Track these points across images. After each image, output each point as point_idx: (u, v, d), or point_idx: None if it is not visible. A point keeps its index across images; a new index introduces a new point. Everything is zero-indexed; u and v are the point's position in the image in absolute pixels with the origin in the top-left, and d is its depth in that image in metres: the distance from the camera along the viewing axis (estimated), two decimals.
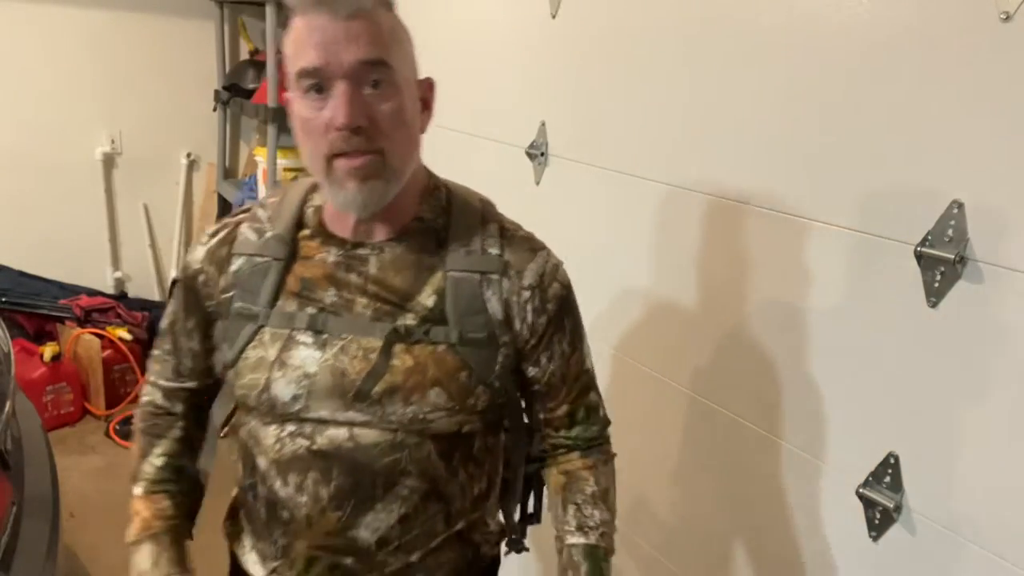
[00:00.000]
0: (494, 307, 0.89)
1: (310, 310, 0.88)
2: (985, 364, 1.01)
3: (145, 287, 3.59)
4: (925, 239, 1.05)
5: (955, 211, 1.02)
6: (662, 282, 1.55)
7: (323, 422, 0.87)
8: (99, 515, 2.49)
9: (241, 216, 0.95)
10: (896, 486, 1.13)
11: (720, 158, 1.38)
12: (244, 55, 3.48)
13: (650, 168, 1.54)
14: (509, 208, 1.02)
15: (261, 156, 3.05)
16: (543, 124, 1.82)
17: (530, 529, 1.15)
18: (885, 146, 1.11)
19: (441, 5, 2.10)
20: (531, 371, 0.95)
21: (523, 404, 1.02)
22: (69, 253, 3.35)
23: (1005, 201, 0.97)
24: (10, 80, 3.10)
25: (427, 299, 0.88)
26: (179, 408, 1.03)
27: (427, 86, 0.89)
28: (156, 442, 1.02)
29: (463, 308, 0.88)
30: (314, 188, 0.94)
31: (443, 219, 0.92)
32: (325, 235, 0.91)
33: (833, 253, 1.20)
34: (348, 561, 0.90)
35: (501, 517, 1.09)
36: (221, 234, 0.94)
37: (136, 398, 3.10)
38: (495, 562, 1.07)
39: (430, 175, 0.95)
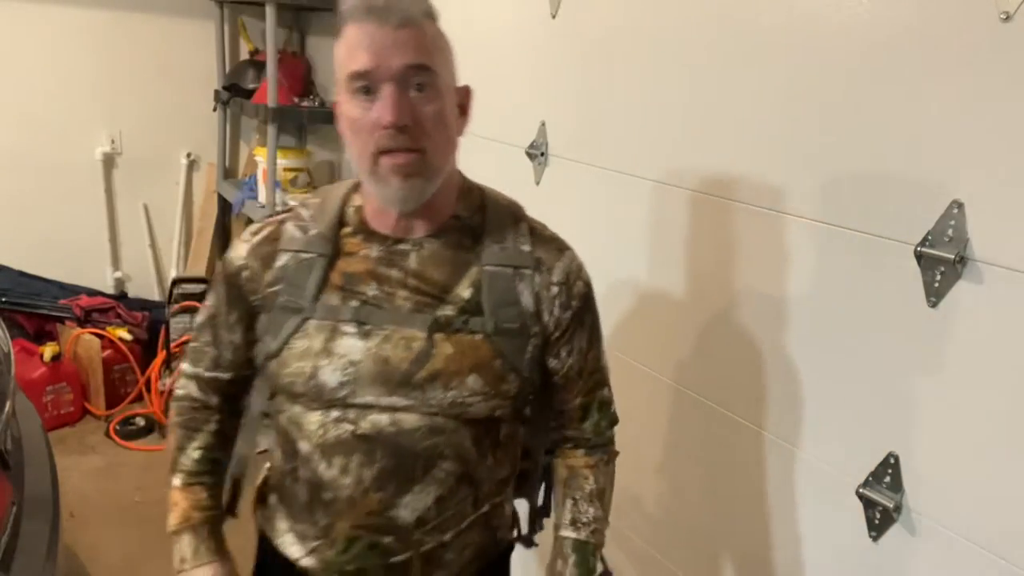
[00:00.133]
0: (526, 300, 0.95)
1: (353, 303, 0.93)
2: (985, 364, 1.01)
3: (145, 287, 3.59)
4: (925, 239, 1.05)
5: (955, 211, 1.02)
6: (662, 282, 1.55)
7: (367, 407, 0.92)
8: (99, 515, 2.49)
9: (284, 215, 1.00)
10: (896, 486, 1.13)
11: (720, 158, 1.38)
12: (244, 55, 3.48)
13: (649, 168, 1.54)
14: None
15: (261, 156, 3.05)
16: (543, 124, 1.82)
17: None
18: (885, 146, 1.11)
19: (441, 5, 2.10)
20: (552, 363, 1.01)
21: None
22: (69, 253, 3.35)
23: (1005, 201, 0.97)
24: (10, 80, 3.10)
25: (464, 291, 0.94)
26: (215, 400, 1.07)
27: (465, 92, 0.96)
28: (194, 436, 1.06)
29: (498, 300, 0.94)
30: (354, 189, 0.99)
31: (478, 217, 0.98)
32: (367, 232, 0.96)
33: (833, 253, 1.20)
34: (387, 540, 0.95)
35: (514, 506, 1.14)
36: (265, 232, 0.99)
37: (136, 398, 3.13)
38: (509, 547, 1.12)
39: (464, 177, 1.01)
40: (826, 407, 1.24)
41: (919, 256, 1.06)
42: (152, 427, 3.03)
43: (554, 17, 1.75)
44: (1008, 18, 0.95)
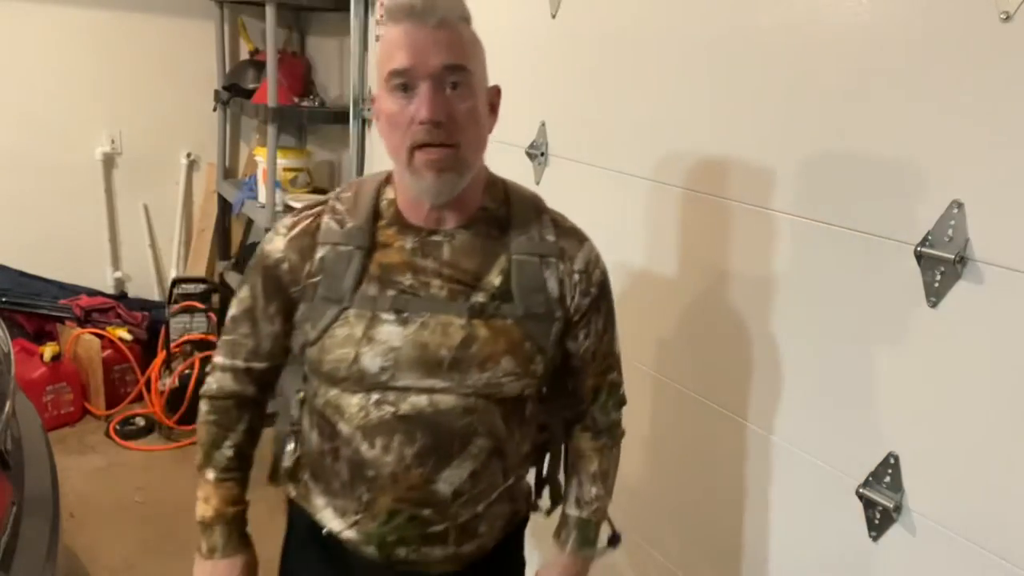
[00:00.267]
0: (552, 286, 1.02)
1: (391, 292, 0.98)
2: (985, 364, 1.01)
3: (145, 287, 3.59)
4: (925, 239, 1.05)
5: (955, 211, 1.02)
6: (662, 283, 1.55)
7: (406, 390, 0.98)
8: (99, 515, 2.49)
9: (318, 209, 1.04)
10: (896, 486, 1.13)
11: (720, 158, 1.38)
12: (244, 55, 3.48)
13: (649, 168, 1.54)
14: None
15: (261, 156, 3.05)
16: (543, 124, 1.82)
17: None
18: (885, 146, 1.11)
19: None
20: (570, 345, 1.07)
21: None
22: (69, 253, 3.35)
23: (1005, 201, 0.97)
24: (10, 80, 3.10)
25: (495, 279, 1.00)
26: (251, 390, 1.11)
27: (495, 92, 1.01)
28: (227, 435, 1.11)
29: (527, 287, 1.00)
30: (385, 182, 1.04)
31: (504, 209, 1.03)
32: (402, 224, 1.01)
33: (833, 253, 1.20)
34: (426, 512, 1.01)
35: (528, 482, 1.21)
36: (301, 225, 1.03)
37: (136, 398, 3.13)
38: (525, 520, 1.20)
39: (489, 170, 1.06)
40: (826, 407, 1.23)
41: (919, 256, 1.06)
42: (152, 427, 3.03)
43: (554, 17, 1.76)
44: (1008, 18, 0.95)
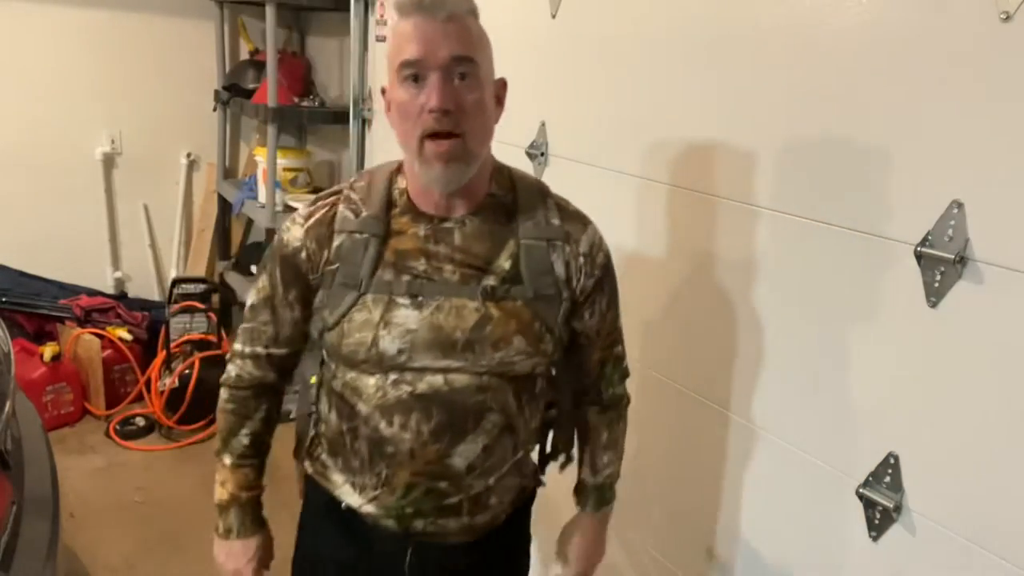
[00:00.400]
0: (559, 268, 1.06)
1: (406, 277, 1.02)
2: (985, 364, 1.01)
3: (145, 287, 3.59)
4: (925, 239, 1.05)
5: (955, 211, 1.02)
6: (662, 282, 1.55)
7: (422, 370, 1.02)
8: (99, 515, 2.49)
9: (333, 198, 1.08)
10: (896, 486, 1.13)
11: (720, 158, 1.38)
12: (244, 55, 3.48)
13: (649, 168, 1.54)
14: None
15: (261, 156, 3.05)
16: (543, 124, 1.82)
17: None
18: (885, 146, 1.11)
19: None
20: (577, 324, 1.12)
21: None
22: (69, 253, 3.35)
23: (1005, 201, 0.97)
24: (10, 80, 3.10)
25: (504, 263, 1.04)
26: (271, 376, 1.15)
27: (501, 84, 1.04)
28: (245, 422, 1.15)
29: (535, 269, 1.05)
30: (397, 172, 1.08)
31: (510, 196, 1.07)
32: (414, 212, 1.05)
33: (833, 253, 1.20)
34: (442, 485, 1.06)
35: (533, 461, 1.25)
36: (318, 215, 1.07)
37: (136, 398, 3.13)
38: (532, 496, 1.25)
39: (495, 159, 1.09)
40: (826, 407, 1.24)
41: (919, 256, 1.06)
42: (152, 427, 3.03)
43: (554, 17, 1.76)
44: (1008, 18, 0.95)
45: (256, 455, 1.17)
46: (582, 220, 1.11)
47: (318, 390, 1.15)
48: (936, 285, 1.05)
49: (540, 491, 1.26)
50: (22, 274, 3.25)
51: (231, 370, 1.15)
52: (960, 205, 1.01)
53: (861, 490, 1.17)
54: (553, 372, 1.18)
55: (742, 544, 1.43)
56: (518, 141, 1.87)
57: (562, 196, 1.12)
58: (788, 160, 1.26)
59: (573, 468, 1.27)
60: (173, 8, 3.33)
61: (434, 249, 1.03)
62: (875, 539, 1.16)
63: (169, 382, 2.95)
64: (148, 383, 3.06)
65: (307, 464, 1.19)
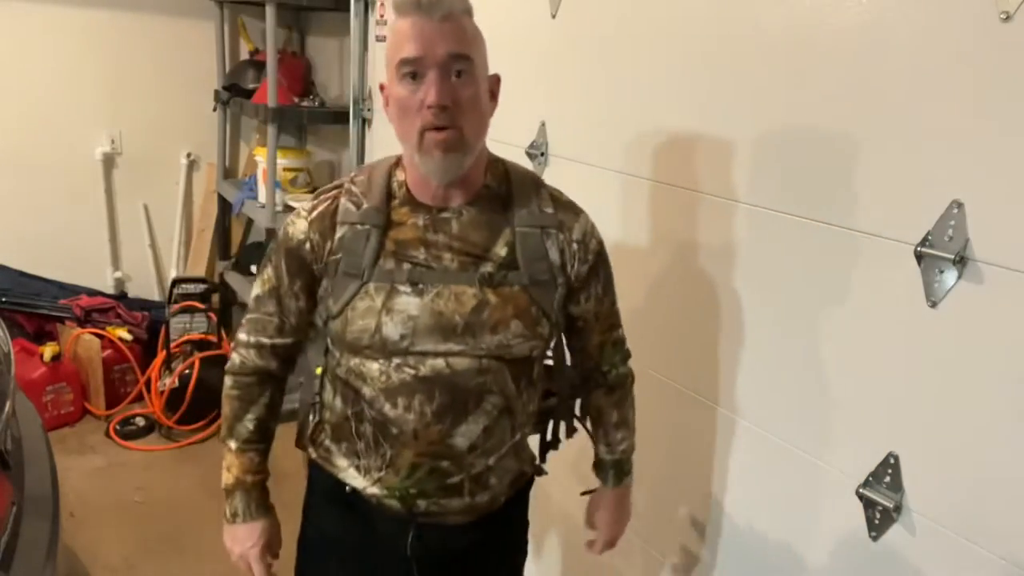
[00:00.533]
0: (553, 255, 1.10)
1: (407, 266, 1.06)
2: (985, 364, 1.01)
3: (145, 287, 3.59)
4: (925, 239, 1.05)
5: (955, 211, 1.02)
6: (663, 284, 1.55)
7: (424, 354, 1.06)
8: (99, 515, 2.49)
9: (335, 192, 1.12)
10: (896, 486, 1.13)
11: (720, 158, 1.38)
12: (244, 55, 3.48)
13: (650, 168, 1.54)
14: None
15: (261, 156, 3.05)
16: (543, 124, 1.82)
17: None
18: (885, 146, 1.11)
19: None
20: (573, 309, 1.17)
21: (564, 340, 1.25)
22: (69, 253, 3.35)
23: (1005, 201, 0.97)
24: (10, 80, 3.10)
25: (501, 250, 1.08)
26: (275, 365, 1.18)
27: (495, 80, 1.08)
28: (249, 408, 1.19)
29: (530, 256, 1.08)
30: (396, 165, 1.11)
31: (505, 186, 1.11)
32: (413, 203, 1.09)
33: (833, 253, 1.20)
34: (444, 464, 1.10)
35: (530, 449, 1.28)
36: (321, 208, 1.10)
37: (136, 398, 3.13)
38: (530, 482, 1.29)
39: (490, 152, 1.13)
40: (826, 407, 1.24)
41: (919, 256, 1.06)
42: (152, 427, 3.03)
43: (554, 17, 1.76)
44: (1008, 18, 0.95)
45: (261, 440, 1.20)
46: (575, 209, 1.14)
47: (322, 379, 1.18)
48: (936, 285, 1.05)
49: (536, 479, 1.28)
50: (22, 274, 3.25)
51: (235, 358, 1.19)
52: (960, 205, 1.01)
53: (861, 490, 1.17)
54: (551, 363, 1.22)
55: (741, 544, 1.43)
56: (518, 141, 1.87)
57: (555, 187, 1.15)
58: (789, 160, 1.26)
59: (588, 449, 1.33)
60: (173, 8, 3.32)
61: (433, 238, 1.07)
62: (875, 539, 1.16)
63: (169, 382, 2.95)
64: (148, 383, 3.05)
65: (311, 450, 1.22)
